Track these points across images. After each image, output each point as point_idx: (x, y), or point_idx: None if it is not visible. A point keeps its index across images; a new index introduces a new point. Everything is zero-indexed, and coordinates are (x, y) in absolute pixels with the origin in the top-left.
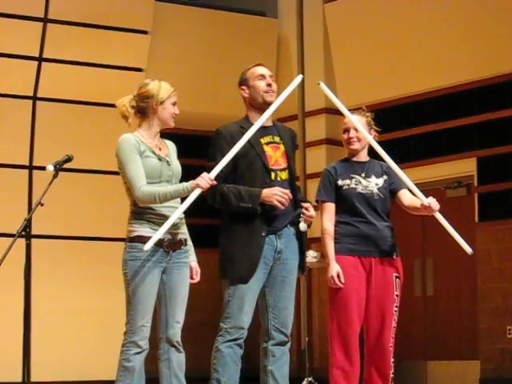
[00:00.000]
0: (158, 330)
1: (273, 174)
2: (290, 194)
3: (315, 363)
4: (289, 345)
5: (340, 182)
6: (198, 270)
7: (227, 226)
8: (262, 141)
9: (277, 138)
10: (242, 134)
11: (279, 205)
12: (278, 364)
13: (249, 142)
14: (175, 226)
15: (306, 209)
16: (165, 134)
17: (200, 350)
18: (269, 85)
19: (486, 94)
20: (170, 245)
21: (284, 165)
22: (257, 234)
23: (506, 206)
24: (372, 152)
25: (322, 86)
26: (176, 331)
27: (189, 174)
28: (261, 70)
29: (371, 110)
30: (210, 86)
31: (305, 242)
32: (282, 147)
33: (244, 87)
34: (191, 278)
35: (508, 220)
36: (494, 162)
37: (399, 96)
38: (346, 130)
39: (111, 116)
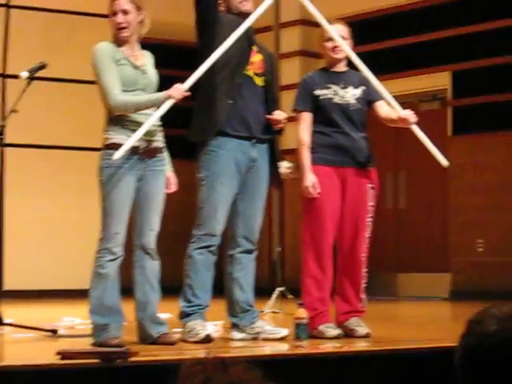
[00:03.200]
0: (133, 238)
1: (254, 78)
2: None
3: (287, 274)
4: (255, 253)
5: (317, 92)
6: (175, 180)
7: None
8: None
9: (256, 48)
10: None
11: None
12: (245, 271)
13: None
14: (150, 133)
15: (278, 114)
16: (146, 44)
17: (174, 259)
18: None
19: (462, 7)
20: (146, 152)
21: (261, 71)
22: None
23: (480, 120)
24: (349, 63)
25: None
26: (151, 238)
27: (168, 84)
28: None
29: (347, 21)
30: None
31: (278, 157)
32: (261, 56)
33: (220, 1)
34: (168, 187)
35: (481, 134)
36: (469, 76)
37: (375, 8)
38: (330, 39)
39: (86, 24)
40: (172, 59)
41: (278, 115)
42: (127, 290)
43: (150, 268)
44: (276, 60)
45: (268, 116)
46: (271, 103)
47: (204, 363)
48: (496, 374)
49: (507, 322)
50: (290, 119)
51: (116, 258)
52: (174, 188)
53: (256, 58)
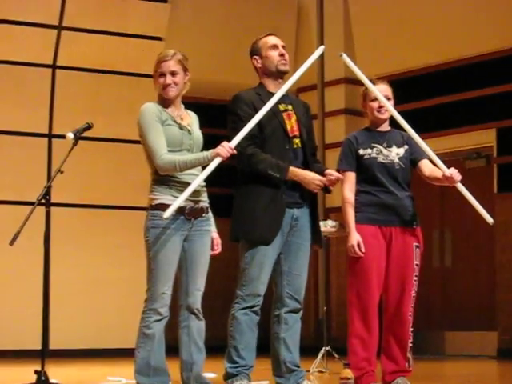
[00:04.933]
0: (179, 298)
1: (293, 142)
2: (325, 181)
3: (333, 333)
4: (301, 313)
5: (361, 151)
6: (219, 241)
7: (247, 189)
8: (280, 108)
9: (290, 106)
10: (261, 101)
11: (315, 191)
12: (291, 331)
13: (270, 109)
14: (196, 194)
15: (330, 174)
16: (185, 104)
17: (218, 318)
18: (282, 55)
19: (507, 64)
20: (192, 212)
21: (297, 132)
22: (279, 198)
23: None
24: (392, 122)
25: (345, 57)
26: (196, 299)
27: (208, 143)
28: (273, 39)
29: (390, 80)
30: (229, 55)
31: (318, 216)
32: (294, 115)
33: (256, 57)
34: (212, 248)
35: None
36: None
37: (419, 66)
38: (375, 99)
39: (130, 84)
40: (215, 118)
41: (337, 175)
42: (172, 350)
43: (196, 328)
44: (309, 108)
45: (328, 176)
46: (313, 163)
47: None
48: None
49: None
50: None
51: (162, 319)
52: (218, 249)
53: (292, 120)
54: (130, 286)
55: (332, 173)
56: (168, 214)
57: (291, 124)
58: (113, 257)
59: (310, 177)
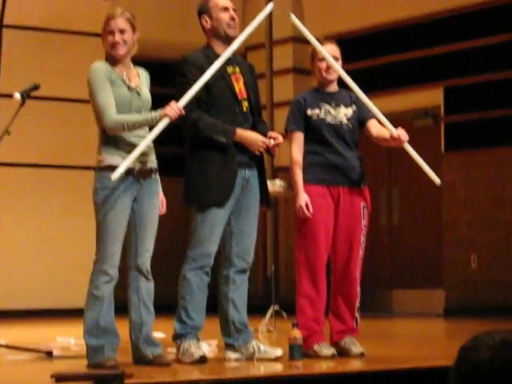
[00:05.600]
0: (128, 259)
1: (242, 104)
2: (267, 142)
3: (281, 292)
4: (248, 273)
5: (309, 112)
6: (165, 201)
7: (198, 153)
8: (229, 71)
9: (237, 69)
10: (209, 63)
11: (257, 153)
12: (239, 291)
13: (217, 72)
14: (145, 155)
15: (274, 138)
16: (133, 62)
17: (168, 278)
18: (232, 18)
19: (454, 23)
20: (140, 173)
21: (246, 95)
22: (230, 160)
23: (473, 137)
24: (340, 82)
25: (293, 17)
26: (145, 259)
27: (157, 102)
28: (224, 1)
29: (338, 40)
30: (177, 14)
31: (266, 178)
32: (242, 78)
33: (206, 17)
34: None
35: (474, 150)
36: (462, 92)
37: (366, 25)
38: (322, 59)
39: (78, 44)
40: (164, 78)
41: (277, 138)
42: (121, 309)
43: (145, 289)
44: (254, 69)
45: (272, 139)
46: (258, 123)
47: None
48: None
49: (500, 351)
50: (283, 137)
51: (111, 280)
52: (163, 210)
53: (240, 83)
54: (80, 247)
55: (272, 135)
56: (116, 175)
57: (239, 87)
58: (61, 217)
59: (253, 138)
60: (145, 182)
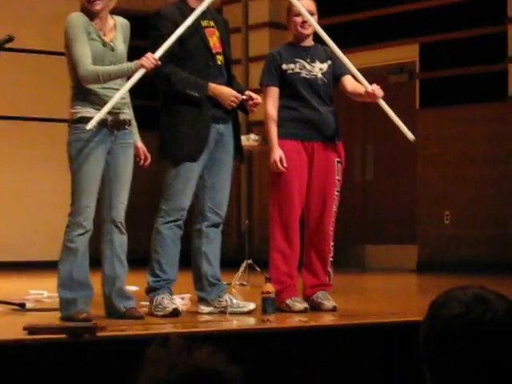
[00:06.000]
0: (102, 211)
1: (216, 58)
2: (240, 97)
3: (255, 246)
4: (221, 226)
5: (284, 66)
6: (146, 151)
7: (172, 107)
8: (203, 24)
9: (212, 23)
10: (183, 17)
11: (229, 108)
12: (212, 245)
13: (191, 25)
14: (118, 106)
15: (250, 97)
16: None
17: (141, 232)
18: None
19: None
20: (114, 124)
21: (220, 49)
22: (203, 114)
23: (448, 93)
24: (315, 37)
25: None
26: (119, 212)
27: (133, 55)
28: None
29: None
30: None
31: (240, 133)
32: (216, 32)
33: None
34: (140, 158)
35: (449, 107)
36: (437, 49)
37: None
38: (298, 14)
39: None
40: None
41: (257, 99)
42: (93, 262)
43: (119, 242)
44: (227, 23)
45: (250, 100)
46: (231, 79)
47: (169, 346)
48: (460, 356)
49: (471, 306)
50: (258, 91)
51: (85, 232)
52: (148, 160)
53: (214, 38)
54: (55, 200)
55: (252, 95)
56: (91, 125)
57: (214, 41)
58: (37, 169)
59: (225, 93)
60: (119, 134)
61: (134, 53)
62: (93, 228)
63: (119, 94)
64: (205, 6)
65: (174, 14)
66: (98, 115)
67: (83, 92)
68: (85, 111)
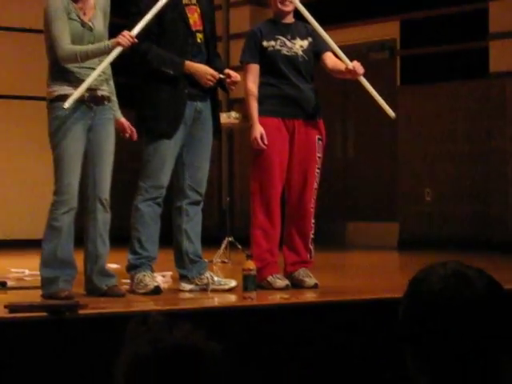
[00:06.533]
0: (86, 189)
1: (196, 36)
2: (217, 76)
3: (236, 223)
4: (202, 204)
5: (265, 44)
6: (131, 126)
7: (148, 85)
8: (184, 1)
9: (193, 0)
10: None
11: (206, 86)
12: (192, 223)
13: (171, 2)
14: (96, 83)
15: (228, 75)
16: None
17: (121, 209)
18: None
19: None
20: (92, 100)
21: (201, 27)
22: (179, 91)
23: (429, 71)
24: (296, 14)
25: None
26: (104, 188)
27: (113, 32)
28: None
29: None
30: None
31: (219, 108)
32: (198, 9)
33: None
34: (126, 132)
35: (430, 84)
36: (418, 26)
37: None
38: None
39: None
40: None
41: (236, 75)
42: (78, 240)
43: (102, 220)
44: (213, 2)
45: (228, 78)
46: (213, 57)
47: (149, 323)
48: (440, 332)
49: (451, 281)
50: (238, 69)
51: (70, 210)
52: (134, 135)
53: (195, 15)
54: (38, 178)
55: (230, 73)
56: (69, 103)
57: (194, 18)
58: (19, 148)
59: (202, 70)
60: (98, 110)
61: (115, 30)
62: (77, 206)
63: (96, 72)
64: None
65: None
66: (75, 93)
67: (60, 70)
68: (62, 90)
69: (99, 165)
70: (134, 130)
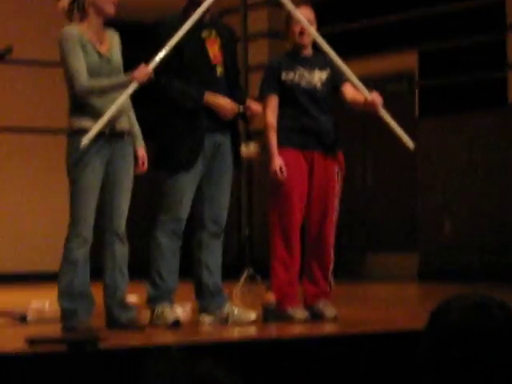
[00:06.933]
0: (103, 222)
1: (216, 69)
2: (237, 109)
3: (255, 255)
4: (222, 237)
5: (284, 76)
6: (146, 159)
7: (167, 117)
8: (203, 35)
9: (213, 33)
10: None
11: (225, 118)
12: (213, 256)
13: (191, 36)
14: (116, 118)
15: (248, 107)
16: (111, 24)
17: (140, 241)
18: None
19: None
20: (111, 136)
21: (221, 60)
22: (198, 123)
23: (447, 101)
24: (315, 46)
25: None
26: (121, 222)
27: (131, 66)
28: None
29: (313, 3)
30: None
31: (239, 141)
32: (219, 42)
33: None
34: (140, 166)
35: (449, 115)
36: (436, 57)
37: None
38: (297, 23)
39: (50, 5)
40: (142, 40)
41: (257, 108)
42: (94, 272)
43: (120, 253)
44: (234, 33)
45: (249, 108)
46: (235, 89)
47: (170, 359)
48: (461, 365)
49: (471, 313)
50: (258, 101)
51: (85, 243)
52: (145, 167)
53: (215, 47)
54: (54, 210)
55: (251, 106)
56: (87, 139)
57: (214, 51)
58: (37, 181)
59: (221, 103)
60: (117, 145)
61: (135, 64)
62: (92, 238)
63: (114, 107)
64: (199, 14)
65: (177, 23)
66: (93, 129)
67: (80, 103)
68: (82, 122)
69: (116, 199)
70: (145, 163)
